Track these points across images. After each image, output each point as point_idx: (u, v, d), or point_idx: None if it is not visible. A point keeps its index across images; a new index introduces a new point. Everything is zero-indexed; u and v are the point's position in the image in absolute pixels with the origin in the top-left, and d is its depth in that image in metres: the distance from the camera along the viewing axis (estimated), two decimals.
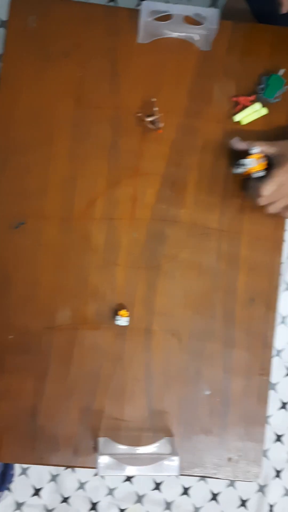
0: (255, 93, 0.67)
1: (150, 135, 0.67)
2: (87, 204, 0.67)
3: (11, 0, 0.67)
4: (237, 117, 0.67)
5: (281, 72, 0.66)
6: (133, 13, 0.66)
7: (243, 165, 0.60)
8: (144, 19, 0.61)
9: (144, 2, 0.60)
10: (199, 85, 0.67)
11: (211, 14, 0.60)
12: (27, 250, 0.66)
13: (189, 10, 0.61)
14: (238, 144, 0.63)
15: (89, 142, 0.67)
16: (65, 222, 0.67)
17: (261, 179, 0.60)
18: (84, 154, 0.67)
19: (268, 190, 0.59)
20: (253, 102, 0.66)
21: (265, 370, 0.68)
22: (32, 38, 0.67)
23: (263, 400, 0.68)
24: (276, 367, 0.94)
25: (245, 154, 0.62)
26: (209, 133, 0.68)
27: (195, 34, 0.65)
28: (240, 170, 0.61)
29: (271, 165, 0.61)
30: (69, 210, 0.67)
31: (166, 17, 0.63)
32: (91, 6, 0.68)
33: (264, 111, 0.66)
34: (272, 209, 0.62)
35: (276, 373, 0.94)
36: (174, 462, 0.62)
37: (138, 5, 0.62)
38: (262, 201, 0.60)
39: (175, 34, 0.65)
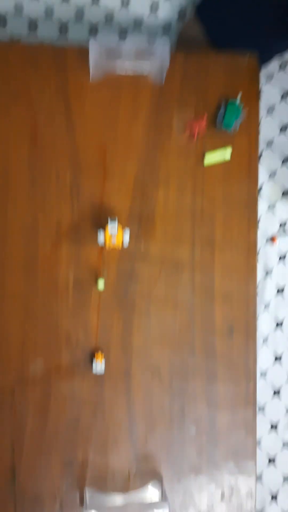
0: (215, 123, 0.66)
1: (112, 172, 0.66)
2: (51, 248, 0.65)
3: None
4: (207, 161, 0.66)
5: (237, 99, 0.65)
6: (83, 51, 0.64)
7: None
8: (94, 56, 0.60)
9: (91, 40, 0.59)
10: (157, 119, 0.66)
11: (161, 48, 0.60)
12: None
13: (138, 45, 0.60)
14: None
15: (49, 184, 0.65)
16: (30, 269, 0.64)
17: None
18: (44, 196, 0.65)
19: None
20: (206, 123, 0.65)
21: (251, 400, 0.67)
22: None
23: (251, 432, 0.67)
24: (262, 389, 0.92)
25: None
26: (171, 166, 0.66)
27: (147, 68, 0.64)
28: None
29: None
30: (33, 255, 0.64)
31: (117, 54, 0.62)
32: (38, 47, 0.66)
33: (228, 153, 0.66)
34: None
35: (262, 396, 0.93)
36: (163, 511, 0.59)
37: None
38: None
39: (127, 69, 0.64)
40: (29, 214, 0.64)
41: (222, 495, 0.66)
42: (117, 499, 0.63)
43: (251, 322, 0.67)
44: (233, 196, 0.66)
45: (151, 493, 0.64)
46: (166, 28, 0.87)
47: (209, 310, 0.66)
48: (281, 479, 0.93)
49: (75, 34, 0.88)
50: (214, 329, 0.66)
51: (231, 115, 0.64)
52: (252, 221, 0.66)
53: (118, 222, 0.61)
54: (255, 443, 0.67)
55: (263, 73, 0.89)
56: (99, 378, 0.64)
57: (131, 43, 0.60)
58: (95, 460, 0.64)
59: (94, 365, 0.63)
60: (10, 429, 0.62)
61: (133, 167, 0.66)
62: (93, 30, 0.86)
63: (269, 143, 0.90)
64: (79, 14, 0.83)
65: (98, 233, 0.61)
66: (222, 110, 0.65)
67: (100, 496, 0.63)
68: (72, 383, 0.64)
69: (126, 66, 0.63)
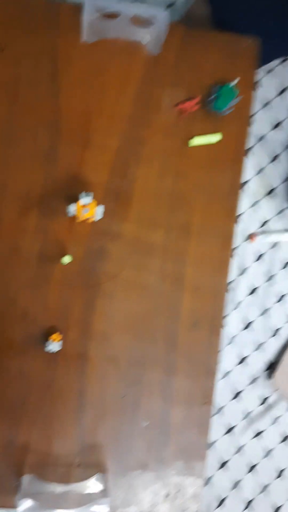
0: (206, 105, 0.63)
1: (93, 142, 0.62)
2: (18, 215, 0.60)
3: None
4: (194, 142, 0.62)
5: (235, 81, 0.62)
6: (77, 10, 0.60)
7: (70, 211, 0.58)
8: (88, 16, 0.56)
9: None
10: (146, 92, 0.63)
11: (160, 16, 0.56)
12: None
13: (137, 9, 0.56)
14: None
15: (23, 147, 0.61)
16: None
17: None
18: (17, 160, 0.60)
19: None
20: (198, 104, 0.62)
21: (208, 398, 0.64)
22: None
23: (204, 432, 0.64)
24: (222, 390, 0.90)
25: None
26: (156, 144, 0.63)
27: (143, 36, 0.60)
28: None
29: None
30: None
31: (113, 16, 0.58)
32: (30, 0, 0.61)
33: (217, 138, 0.63)
34: None
35: (222, 397, 0.90)
36: (103, 507, 0.56)
37: None
38: None
39: (122, 35, 0.60)
40: None
41: (167, 495, 0.63)
42: (56, 489, 0.60)
43: (218, 317, 0.64)
44: (216, 184, 0.63)
45: (94, 486, 0.61)
46: (171, 4, 0.83)
47: (176, 300, 0.63)
48: (231, 485, 0.91)
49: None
50: (179, 320, 0.63)
51: (224, 97, 0.60)
52: (231, 213, 0.63)
53: (93, 197, 0.57)
54: (206, 443, 0.64)
55: (263, 67, 0.86)
56: (52, 358, 0.60)
57: (129, 6, 0.56)
58: (38, 444, 0.60)
59: (48, 346, 0.59)
60: None
61: (116, 140, 0.62)
62: None
63: (261, 139, 0.88)
64: None
65: (69, 204, 0.57)
66: (215, 92, 0.62)
67: (38, 484, 0.59)
68: (23, 360, 0.60)
69: (121, 30, 0.59)
